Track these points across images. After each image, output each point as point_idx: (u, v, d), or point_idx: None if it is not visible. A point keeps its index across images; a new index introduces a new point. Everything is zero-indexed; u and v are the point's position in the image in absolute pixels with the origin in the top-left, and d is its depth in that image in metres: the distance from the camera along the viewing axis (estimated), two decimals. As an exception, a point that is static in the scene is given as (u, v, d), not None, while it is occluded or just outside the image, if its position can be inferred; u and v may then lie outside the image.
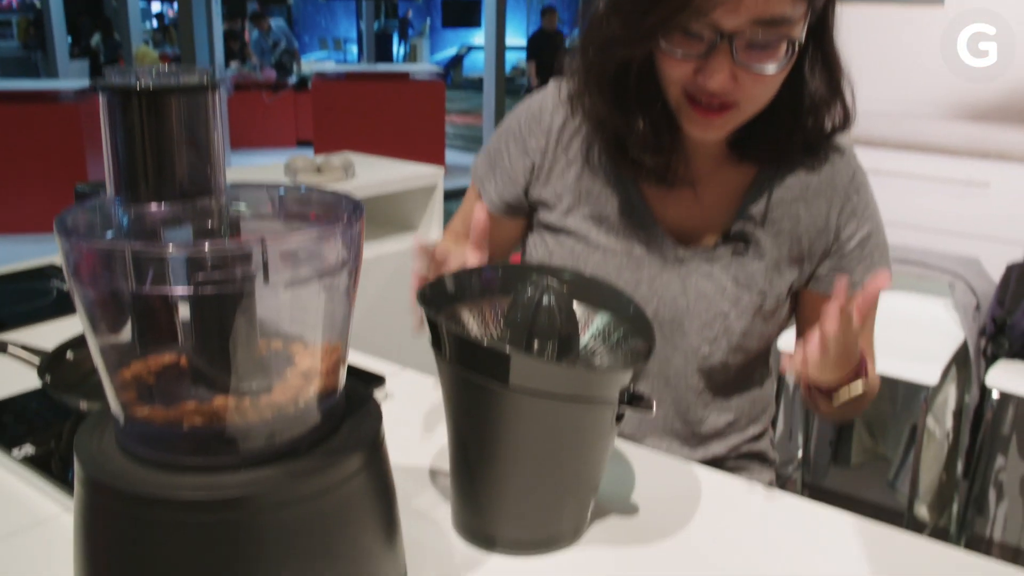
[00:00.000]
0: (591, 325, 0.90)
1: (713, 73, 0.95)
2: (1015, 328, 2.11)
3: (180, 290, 0.63)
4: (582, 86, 1.09)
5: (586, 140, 1.14)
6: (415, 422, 1.12)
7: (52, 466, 0.96)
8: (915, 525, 2.41)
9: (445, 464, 1.00)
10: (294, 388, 0.70)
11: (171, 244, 0.62)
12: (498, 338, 0.89)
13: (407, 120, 7.19)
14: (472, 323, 0.90)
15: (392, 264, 2.51)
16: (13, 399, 1.12)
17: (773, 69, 0.96)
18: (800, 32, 0.96)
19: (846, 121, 1.09)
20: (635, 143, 1.06)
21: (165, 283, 0.63)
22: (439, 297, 0.89)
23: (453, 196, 6.17)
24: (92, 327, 0.68)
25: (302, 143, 8.53)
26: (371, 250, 2.50)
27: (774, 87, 1.00)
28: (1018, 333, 2.10)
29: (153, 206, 0.71)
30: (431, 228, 2.66)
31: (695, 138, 1.06)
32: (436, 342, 0.83)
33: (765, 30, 0.93)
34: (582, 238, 1.14)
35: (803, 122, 1.06)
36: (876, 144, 2.53)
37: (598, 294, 0.91)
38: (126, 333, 0.70)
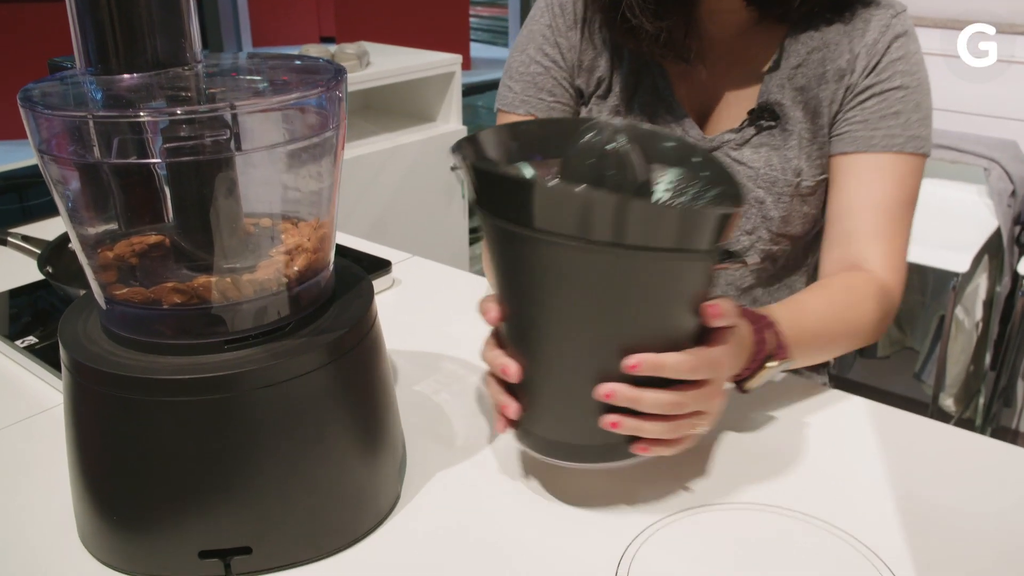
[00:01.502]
0: (661, 180, 0.74)
1: None
2: (1052, 214, 2.03)
3: (151, 159, 0.60)
4: None
5: (606, 25, 1.05)
6: (422, 308, 1.09)
7: (54, 355, 0.95)
8: (940, 416, 2.39)
9: (451, 350, 0.98)
10: (279, 266, 0.67)
11: (136, 110, 0.58)
12: None
13: (430, 11, 7.01)
14: None
15: (410, 155, 2.46)
16: (16, 290, 1.12)
17: None
18: None
19: None
20: (645, 18, 0.97)
21: (135, 153, 0.60)
22: (475, 155, 0.74)
23: (476, 91, 6.04)
24: (64, 205, 0.65)
25: (325, 39, 8.37)
26: (388, 141, 2.45)
27: None
28: (1055, 219, 2.03)
29: (125, 77, 0.67)
30: (450, 118, 2.60)
31: None
32: (478, 198, 0.67)
33: None
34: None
35: None
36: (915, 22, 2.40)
37: (662, 148, 0.75)
38: (102, 211, 0.68)
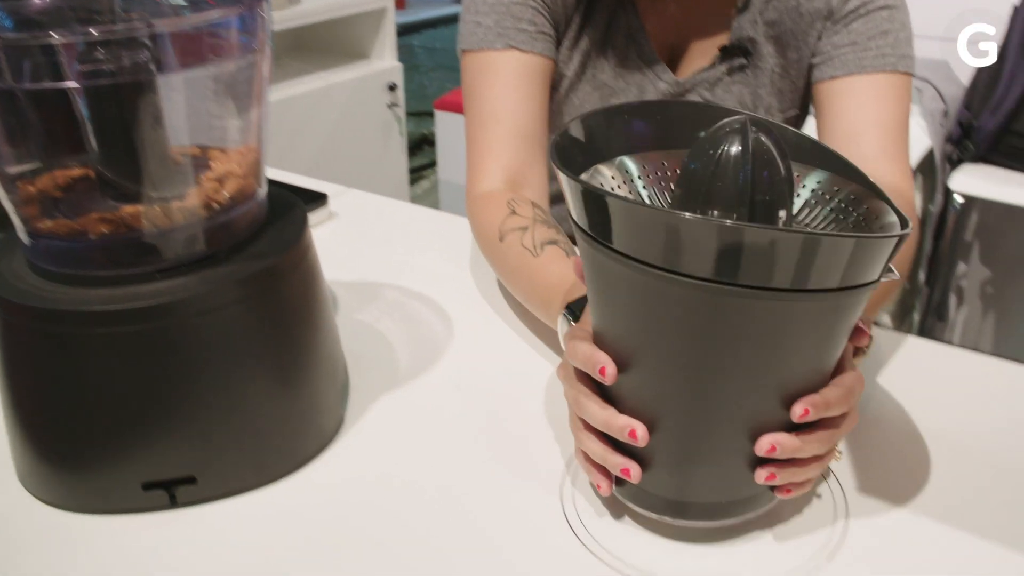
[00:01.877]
0: (806, 183, 0.62)
1: None
2: (981, 131, 2.08)
3: (66, 83, 0.58)
4: None
5: None
6: (361, 239, 1.09)
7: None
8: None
9: (392, 279, 0.97)
10: (208, 192, 0.66)
11: (48, 32, 0.56)
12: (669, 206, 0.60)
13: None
14: (622, 189, 0.62)
15: (345, 93, 2.42)
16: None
17: None
18: None
19: None
20: None
21: (49, 76, 0.58)
22: (576, 154, 0.61)
23: (412, 30, 5.92)
24: (-21, 135, 0.63)
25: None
26: (322, 80, 2.40)
27: None
28: (984, 136, 2.07)
29: (35, 2, 0.64)
30: (384, 55, 2.55)
31: None
32: (593, 226, 0.54)
33: None
34: (578, 81, 1.04)
35: None
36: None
37: (800, 146, 0.62)
38: (20, 143, 0.65)
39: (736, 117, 0.54)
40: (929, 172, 2.31)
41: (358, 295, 0.94)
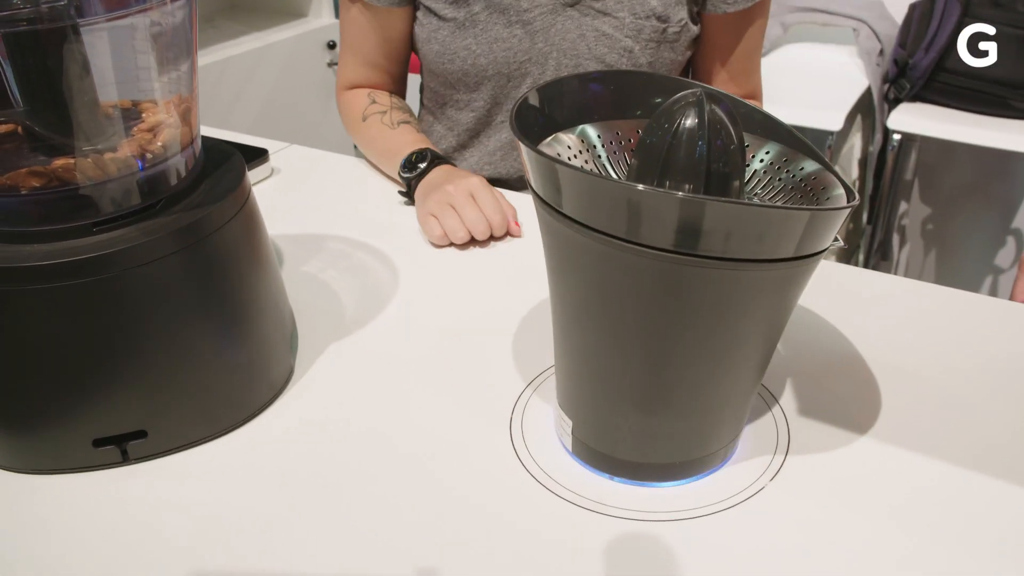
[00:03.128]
0: (752, 160, 0.63)
1: None
2: (916, 68, 2.11)
3: (-16, 34, 0.57)
4: None
5: None
6: (303, 193, 1.08)
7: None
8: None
9: (335, 230, 0.97)
10: (140, 142, 0.65)
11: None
12: (626, 176, 0.61)
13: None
14: (581, 157, 0.63)
15: (283, 53, 2.38)
16: None
17: None
18: None
19: None
20: None
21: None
22: (537, 123, 0.62)
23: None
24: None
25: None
26: (259, 40, 2.35)
27: None
28: (919, 73, 2.10)
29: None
30: (321, 13, 2.51)
31: None
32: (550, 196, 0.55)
33: None
34: (464, 5, 1.06)
35: None
36: None
37: (751, 118, 0.63)
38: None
39: (692, 91, 0.55)
40: (868, 111, 2.34)
41: (302, 247, 0.93)
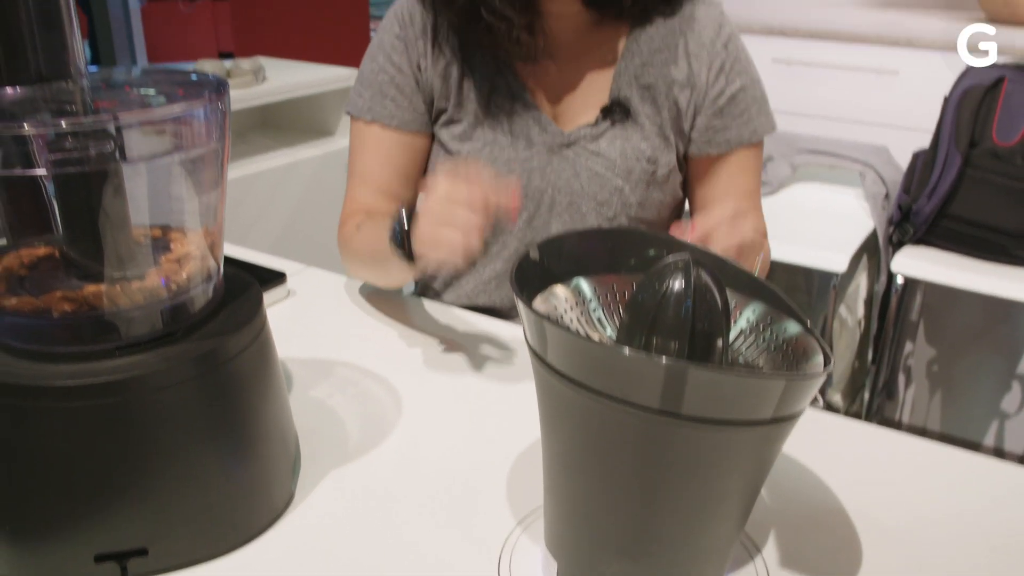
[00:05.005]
0: (738, 319, 0.67)
1: None
2: (919, 214, 2.17)
3: (36, 171, 0.62)
4: None
5: (455, 32, 1.12)
6: (317, 317, 1.12)
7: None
8: (828, 411, 2.50)
9: (346, 357, 1.00)
10: (167, 273, 0.69)
11: (20, 122, 0.60)
12: (617, 331, 0.65)
13: (330, 25, 6.98)
14: (575, 310, 0.67)
15: (308, 171, 2.47)
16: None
17: None
18: None
19: None
20: (490, 1, 1.04)
21: (20, 164, 0.62)
22: (536, 275, 0.66)
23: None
24: (-50, 217, 0.66)
25: (224, 55, 8.25)
26: (286, 157, 2.45)
27: None
28: (922, 219, 2.16)
29: (8, 90, 0.68)
30: (348, 133, 2.61)
31: None
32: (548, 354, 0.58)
33: None
34: (469, 141, 1.13)
35: None
36: (787, 33, 2.53)
37: (739, 279, 0.67)
38: (-11, 223, 0.68)
39: (681, 255, 0.59)
40: (873, 252, 2.40)
41: (312, 372, 0.97)
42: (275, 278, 1.15)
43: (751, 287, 0.66)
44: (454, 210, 0.83)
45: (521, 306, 0.57)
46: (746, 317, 0.66)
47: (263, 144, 2.53)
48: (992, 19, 2.60)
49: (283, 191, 2.41)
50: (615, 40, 1.12)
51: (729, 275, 0.65)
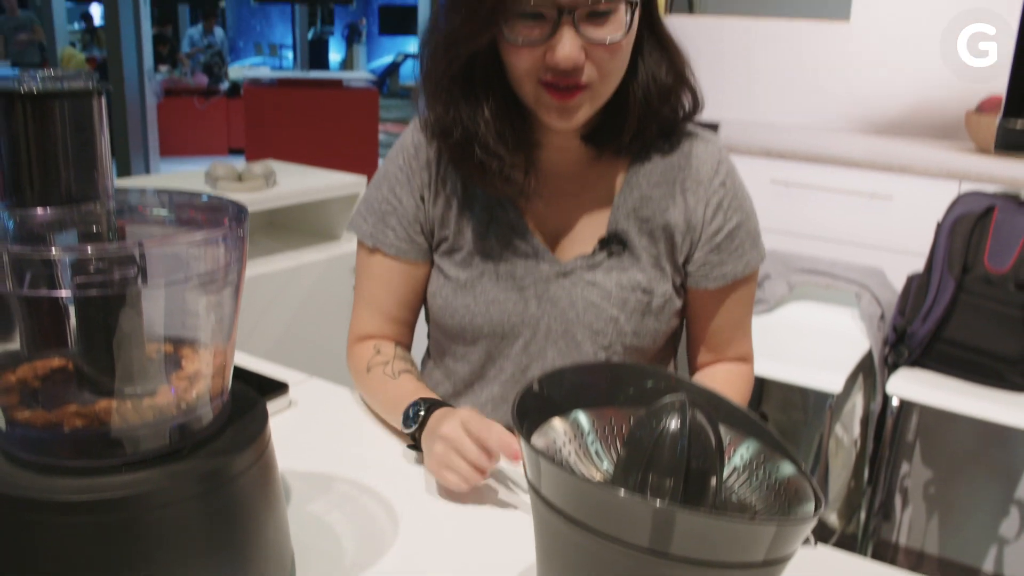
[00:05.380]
0: (732, 457, 0.69)
1: (561, 45, 0.98)
2: (914, 337, 2.19)
3: (60, 292, 0.64)
4: (429, 95, 1.12)
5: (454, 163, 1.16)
6: (317, 430, 1.13)
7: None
8: (824, 532, 2.48)
9: (344, 472, 1.01)
10: (178, 391, 0.71)
11: (50, 246, 0.63)
12: (613, 467, 0.67)
13: (340, 128, 7.15)
14: (574, 443, 0.69)
15: (313, 274, 2.51)
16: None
17: (618, 36, 1.00)
18: None
19: (695, 107, 1.15)
20: (484, 139, 1.08)
21: (46, 285, 0.64)
22: (537, 407, 0.68)
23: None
24: (-28, 330, 0.68)
25: (234, 151, 8.44)
26: (292, 260, 2.49)
27: (622, 59, 1.04)
28: (917, 341, 2.19)
29: (39, 210, 0.71)
30: (353, 238, 2.66)
31: (556, 126, 1.07)
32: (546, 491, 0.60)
33: None
34: (468, 268, 1.16)
35: (654, 108, 1.10)
36: (786, 156, 2.61)
37: (734, 417, 0.70)
38: (7, 335, 0.71)
39: (677, 395, 0.62)
40: (869, 373, 2.41)
41: (311, 486, 0.97)
42: (277, 388, 1.17)
43: (746, 425, 0.68)
44: (468, 447, 0.95)
45: (520, 441, 0.59)
46: (740, 455, 0.67)
47: (269, 246, 2.58)
48: (981, 148, 2.68)
49: (287, 294, 2.44)
50: (614, 174, 1.16)
51: (724, 412, 0.67)
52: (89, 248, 0.64)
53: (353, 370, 1.21)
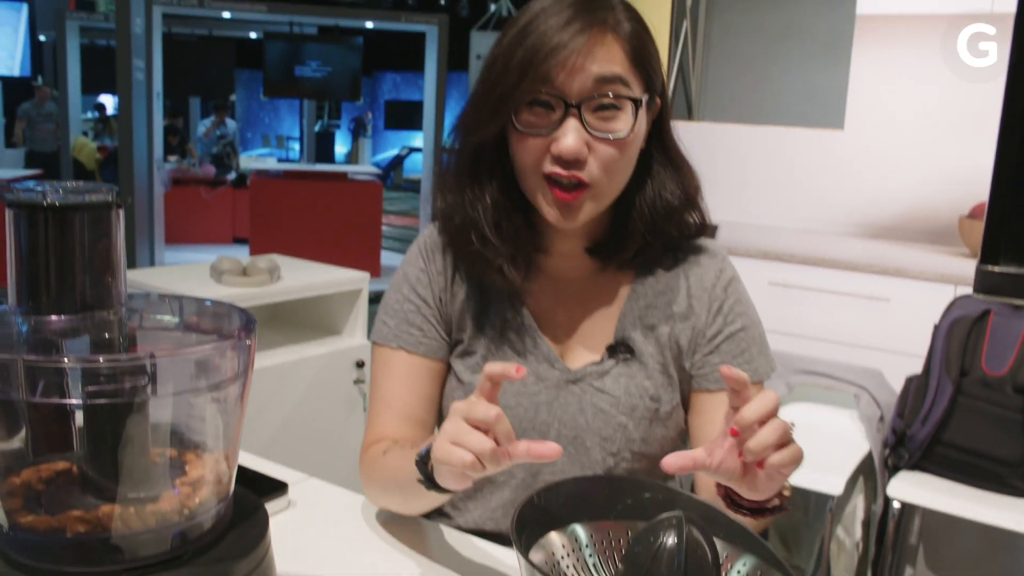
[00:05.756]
0: (729, 572, 0.71)
1: (566, 135, 1.01)
2: (914, 439, 2.19)
3: (71, 401, 0.66)
4: (442, 191, 1.16)
5: (471, 272, 1.19)
6: (316, 532, 1.13)
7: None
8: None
9: (343, 572, 1.01)
10: (181, 497, 0.72)
11: (62, 356, 0.65)
12: None
13: (344, 220, 7.26)
14: (572, 556, 0.70)
15: (314, 368, 2.52)
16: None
17: (623, 132, 1.04)
18: (641, 97, 1.04)
19: (702, 228, 1.17)
20: (480, 226, 1.10)
21: (57, 394, 0.66)
22: (536, 520, 0.71)
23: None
24: (-20, 435, 0.70)
25: (239, 240, 8.54)
26: (293, 353, 2.51)
27: (626, 160, 1.07)
28: (916, 444, 2.19)
29: (53, 317, 0.73)
30: (355, 333, 2.69)
31: (557, 225, 1.09)
32: None
33: (604, 87, 1.01)
34: (481, 371, 1.17)
35: (659, 226, 1.13)
36: (783, 258, 2.65)
37: (730, 531, 0.72)
38: (17, 441, 0.72)
39: (674, 512, 0.63)
40: (869, 474, 2.40)
41: (308, 590, 0.97)
42: (277, 488, 1.17)
43: (743, 540, 0.69)
44: (468, 430, 0.86)
45: (518, 557, 0.60)
46: (737, 570, 0.68)
47: (271, 339, 2.60)
48: (975, 253, 2.72)
49: (287, 387, 2.45)
50: (619, 283, 1.19)
51: (722, 527, 0.68)
52: (101, 359, 0.66)
53: (365, 471, 1.18)
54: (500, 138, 1.08)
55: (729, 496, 0.88)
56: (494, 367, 0.87)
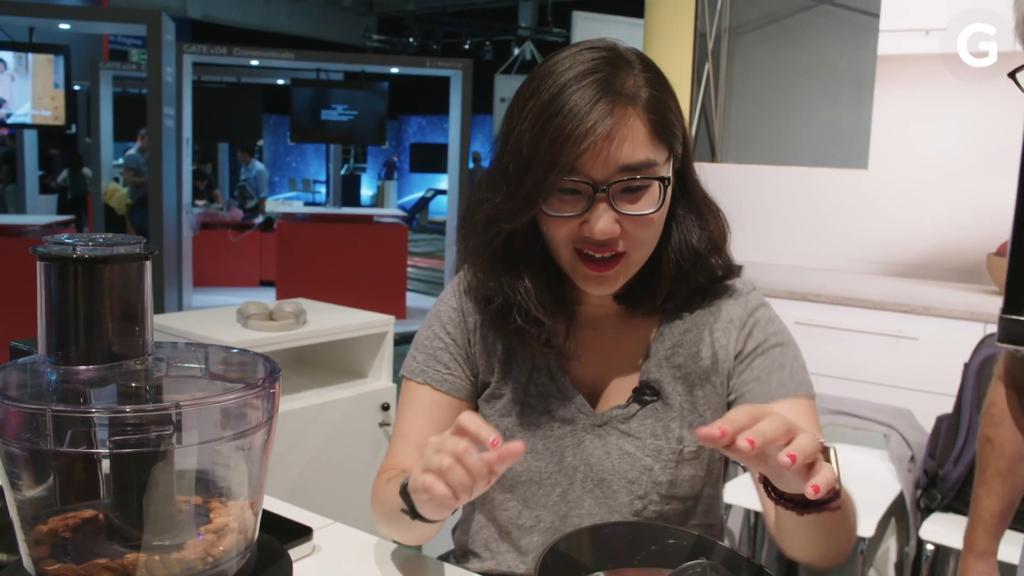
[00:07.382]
0: None
1: (597, 220, 1.02)
2: (946, 480, 2.16)
3: (98, 450, 0.67)
4: (472, 266, 1.16)
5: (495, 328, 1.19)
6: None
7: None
8: None
9: (365, 619, 1.01)
10: (205, 545, 0.72)
11: (90, 406, 0.66)
12: None
13: (370, 263, 7.31)
14: None
15: (340, 411, 2.53)
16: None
17: (651, 209, 1.04)
18: (668, 172, 1.05)
19: (728, 273, 1.17)
20: (524, 306, 1.11)
21: (84, 443, 0.67)
22: (560, 567, 0.73)
23: (410, 340, 6.22)
24: (11, 482, 0.71)
25: (265, 283, 8.61)
26: (319, 397, 2.52)
27: (656, 230, 1.08)
28: (949, 485, 2.15)
29: (81, 368, 0.75)
30: (380, 376, 2.69)
31: (592, 293, 1.11)
32: None
33: (632, 174, 1.02)
34: (508, 417, 1.18)
35: (686, 272, 1.13)
36: (810, 299, 2.64)
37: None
38: (45, 489, 0.73)
39: (698, 561, 0.63)
40: (901, 515, 2.36)
41: (332, 637, 0.97)
42: (301, 533, 1.17)
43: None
44: (439, 457, 0.88)
45: None
46: None
47: (297, 382, 2.61)
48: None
49: (312, 430, 2.46)
50: (648, 327, 1.19)
51: (746, 574, 0.67)
52: (127, 408, 0.67)
53: (372, 502, 1.19)
54: (531, 220, 1.09)
55: (768, 486, 0.86)
56: (470, 423, 0.89)
